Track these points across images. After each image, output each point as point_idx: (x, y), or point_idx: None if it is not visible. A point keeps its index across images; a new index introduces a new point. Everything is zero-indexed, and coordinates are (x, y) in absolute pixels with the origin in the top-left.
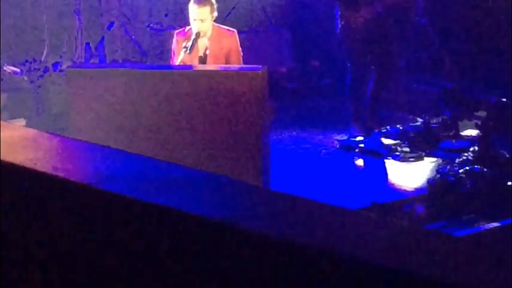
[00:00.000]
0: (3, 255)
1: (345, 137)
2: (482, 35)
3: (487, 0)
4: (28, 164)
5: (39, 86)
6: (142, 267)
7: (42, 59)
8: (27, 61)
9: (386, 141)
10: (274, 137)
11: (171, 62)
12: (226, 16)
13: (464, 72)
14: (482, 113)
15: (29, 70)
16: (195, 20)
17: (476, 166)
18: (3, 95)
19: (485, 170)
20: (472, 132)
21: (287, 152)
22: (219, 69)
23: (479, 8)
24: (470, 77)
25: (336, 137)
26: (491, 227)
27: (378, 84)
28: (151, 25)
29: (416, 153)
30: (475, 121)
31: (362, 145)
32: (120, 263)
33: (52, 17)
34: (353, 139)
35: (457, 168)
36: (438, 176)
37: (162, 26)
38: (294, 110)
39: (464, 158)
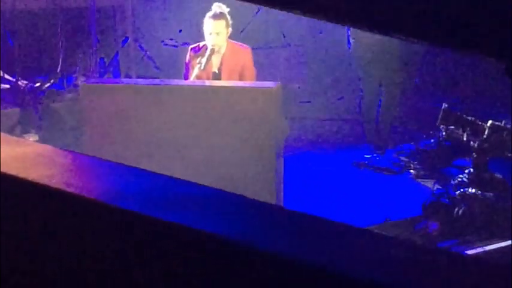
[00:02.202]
0: (17, 272)
1: (359, 154)
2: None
3: None
4: (43, 181)
5: (40, 103)
6: (155, 284)
7: (57, 72)
8: (40, 76)
9: (400, 158)
10: (288, 154)
11: (184, 77)
12: (241, 32)
13: (476, 90)
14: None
15: (33, 86)
16: (210, 33)
17: (471, 188)
18: (16, 110)
19: (479, 192)
20: None
21: (301, 168)
22: (234, 84)
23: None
24: (484, 95)
25: (350, 154)
26: (497, 246)
27: (391, 101)
28: (166, 41)
29: (430, 170)
30: (471, 143)
31: (375, 162)
32: (133, 281)
33: (67, 32)
34: (366, 156)
35: (451, 190)
36: (433, 197)
37: (176, 41)
38: (307, 127)
39: (459, 180)
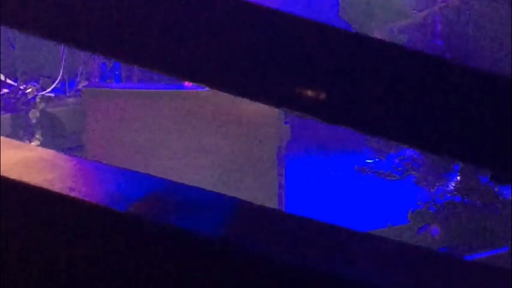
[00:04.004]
0: (18, 276)
1: (361, 159)
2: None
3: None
4: (46, 185)
5: (30, 108)
6: None
7: (58, 78)
8: (33, 81)
9: (402, 163)
10: (290, 158)
11: (185, 83)
12: None
13: None
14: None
15: (25, 92)
16: None
17: (457, 197)
18: (7, 116)
19: (466, 200)
20: None
21: (302, 173)
22: None
23: (497, 30)
24: None
25: (351, 159)
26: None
27: None
28: None
29: (432, 175)
30: None
31: (377, 167)
32: (134, 285)
33: None
34: (368, 161)
35: (438, 198)
36: (419, 205)
37: None
38: (309, 131)
39: (445, 188)
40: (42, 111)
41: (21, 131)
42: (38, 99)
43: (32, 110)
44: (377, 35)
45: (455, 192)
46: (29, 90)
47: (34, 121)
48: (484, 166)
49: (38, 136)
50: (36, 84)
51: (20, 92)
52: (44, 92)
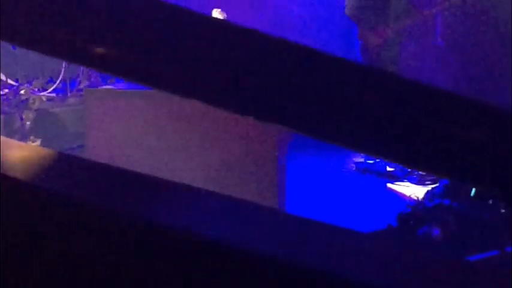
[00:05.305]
0: (18, 276)
1: (362, 160)
2: (499, 58)
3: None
4: (46, 185)
5: (22, 110)
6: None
7: (60, 78)
8: (29, 82)
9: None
10: (290, 159)
11: None
12: None
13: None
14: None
15: (18, 92)
16: None
17: (446, 199)
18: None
19: (455, 203)
20: None
21: (303, 173)
22: None
23: (498, 32)
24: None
25: (352, 159)
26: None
27: None
28: None
29: (434, 176)
30: None
31: (378, 167)
32: (132, 286)
33: None
34: (369, 161)
35: (427, 201)
36: (408, 209)
37: None
38: None
39: (434, 190)
40: (37, 111)
41: (15, 135)
42: (31, 100)
43: (25, 111)
44: (381, 34)
45: (445, 195)
46: (22, 91)
47: (28, 123)
48: (455, 179)
49: (32, 138)
50: (29, 85)
51: (13, 93)
52: (45, 92)
